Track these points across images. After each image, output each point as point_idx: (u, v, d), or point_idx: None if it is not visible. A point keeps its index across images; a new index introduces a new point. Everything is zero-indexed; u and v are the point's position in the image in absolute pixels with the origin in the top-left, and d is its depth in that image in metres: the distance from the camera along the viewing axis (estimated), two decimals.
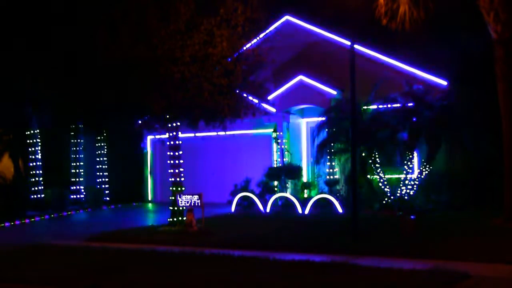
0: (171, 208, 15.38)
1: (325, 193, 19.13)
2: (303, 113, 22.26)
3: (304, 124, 22.45)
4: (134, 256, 11.37)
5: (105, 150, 24.82)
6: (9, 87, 16.16)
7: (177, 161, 15.49)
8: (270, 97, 20.66)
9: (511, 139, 14.69)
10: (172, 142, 15.50)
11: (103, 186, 24.58)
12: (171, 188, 15.50)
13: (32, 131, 22.36)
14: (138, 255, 11.47)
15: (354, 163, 12.71)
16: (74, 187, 23.70)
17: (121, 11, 13.45)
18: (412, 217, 12.79)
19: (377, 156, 17.60)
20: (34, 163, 22.23)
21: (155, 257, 11.17)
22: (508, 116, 14.72)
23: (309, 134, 22.03)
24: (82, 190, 24.02)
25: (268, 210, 18.57)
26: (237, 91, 15.05)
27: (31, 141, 22.31)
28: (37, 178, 22.12)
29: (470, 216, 15.90)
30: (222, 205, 20.18)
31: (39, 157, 22.40)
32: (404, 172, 17.52)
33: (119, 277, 9.41)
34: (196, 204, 14.07)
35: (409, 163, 17.49)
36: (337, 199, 17.98)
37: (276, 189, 20.43)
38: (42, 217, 19.22)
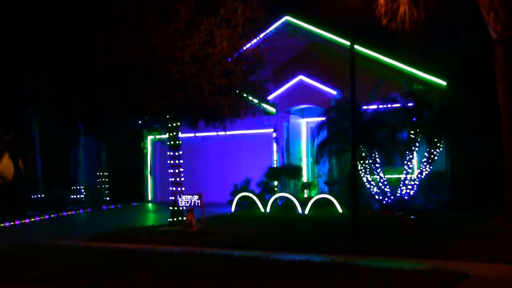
0: (171, 208, 15.37)
1: (325, 193, 19.12)
2: (303, 113, 22.25)
3: (304, 124, 22.44)
4: (134, 256, 11.37)
5: (105, 150, 24.83)
6: (9, 87, 16.16)
7: (177, 161, 15.49)
8: (270, 97, 20.65)
9: (511, 139, 14.69)
10: (172, 142, 15.50)
11: (103, 186, 24.59)
12: (171, 188, 15.50)
13: (32, 131, 22.35)
14: (138, 255, 11.46)
15: (354, 163, 12.71)
16: (74, 187, 23.69)
17: (121, 11, 13.44)
18: (412, 217, 12.79)
19: (377, 156, 17.60)
20: (34, 163, 22.22)
21: (155, 257, 11.17)
22: (508, 116, 14.72)
23: (309, 134, 22.03)
24: (82, 190, 24.02)
25: (268, 210, 18.56)
26: (237, 91, 15.04)
27: (31, 141, 22.31)
28: (37, 178, 22.11)
29: (470, 216, 15.90)
30: (222, 205, 20.18)
31: (39, 157, 22.39)
32: (404, 172, 17.52)
33: (119, 277, 9.41)
34: (196, 204, 14.07)
35: (409, 163, 17.49)
36: (337, 199, 17.97)
37: (276, 189, 20.43)
38: (42, 217, 19.21)
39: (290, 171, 20.53)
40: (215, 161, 23.26)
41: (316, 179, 21.22)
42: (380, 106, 17.90)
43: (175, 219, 15.10)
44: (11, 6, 14.71)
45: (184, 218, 14.66)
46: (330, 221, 15.57)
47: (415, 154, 17.83)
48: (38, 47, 14.25)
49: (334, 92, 20.30)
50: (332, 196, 18.17)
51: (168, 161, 15.63)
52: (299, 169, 20.82)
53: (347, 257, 10.62)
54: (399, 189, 17.45)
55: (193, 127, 15.80)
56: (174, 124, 15.43)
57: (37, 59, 14.38)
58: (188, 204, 14.20)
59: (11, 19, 14.67)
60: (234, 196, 19.67)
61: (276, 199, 19.09)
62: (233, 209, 19.28)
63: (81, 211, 21.42)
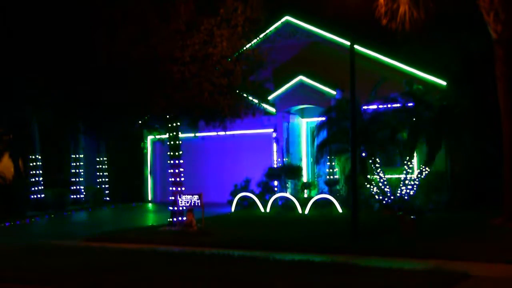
0: (171, 208, 15.37)
1: (325, 193, 19.12)
2: (303, 113, 22.25)
3: (304, 124, 22.44)
4: (134, 256, 11.37)
5: (105, 150, 24.83)
6: (9, 87, 16.14)
7: (177, 161, 15.48)
8: (270, 97, 20.66)
9: (511, 139, 14.69)
10: (172, 142, 15.50)
11: (103, 186, 24.58)
12: (171, 188, 15.50)
13: (32, 131, 22.34)
14: (138, 255, 11.46)
15: (354, 163, 12.71)
16: (74, 187, 23.69)
17: (121, 11, 13.44)
18: (412, 217, 12.79)
19: (377, 156, 17.60)
20: (34, 163, 22.22)
21: (155, 257, 11.17)
22: (508, 116, 14.73)
23: (309, 134, 22.03)
24: (82, 190, 24.02)
25: (268, 210, 18.56)
26: (237, 91, 15.05)
27: (31, 141, 22.30)
28: (37, 178, 22.11)
29: (470, 216, 15.90)
30: (222, 205, 20.19)
31: (39, 157, 22.38)
32: (404, 172, 17.52)
33: (119, 277, 9.40)
34: (196, 204, 14.07)
35: (409, 163, 17.49)
36: (337, 199, 17.97)
37: (276, 189, 20.43)
38: (42, 217, 19.22)
39: (290, 171, 20.53)
40: (215, 161, 23.27)
41: (316, 179, 21.22)
42: (380, 106, 17.90)
43: (175, 219, 15.10)
44: (11, 6, 14.69)
45: (184, 218, 14.66)
46: (330, 221, 15.57)
47: (415, 154, 17.84)
48: (38, 47, 14.24)
49: (334, 92, 20.30)
50: (332, 196, 18.17)
51: (168, 161, 15.63)
52: (299, 169, 20.82)
53: (347, 257, 10.62)
54: (399, 189, 17.45)
55: (193, 127, 15.80)
56: (174, 124, 15.43)
57: (37, 59, 14.38)
58: (188, 204, 14.20)
59: (11, 19, 14.66)
60: (234, 196, 19.67)
61: (276, 199, 19.09)
62: (233, 209, 19.28)
63: (81, 211, 21.42)
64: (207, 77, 13.99)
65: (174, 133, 15.50)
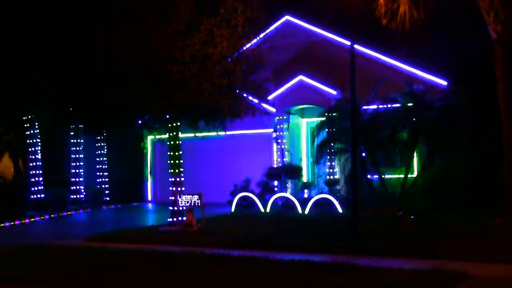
0: (171, 208, 15.37)
1: (325, 193, 19.12)
2: (303, 113, 22.26)
3: (304, 124, 22.45)
4: (134, 256, 11.36)
5: (105, 150, 24.83)
6: (9, 87, 16.14)
7: (177, 161, 15.48)
8: (270, 97, 20.64)
9: (511, 139, 14.69)
10: (172, 142, 15.50)
11: (103, 186, 24.58)
12: (171, 188, 15.50)
13: (32, 131, 22.35)
14: (138, 255, 11.46)
15: (354, 163, 12.70)
16: (74, 187, 23.69)
17: (121, 11, 13.44)
18: (412, 217, 12.79)
19: (377, 156, 17.58)
20: (34, 163, 22.21)
21: (155, 257, 11.17)
22: (508, 116, 14.72)
23: (309, 134, 22.03)
24: (82, 190, 24.02)
25: (268, 210, 18.56)
26: (237, 91, 15.05)
27: (31, 141, 22.31)
28: (37, 178, 22.11)
29: (470, 216, 15.89)
30: (222, 205, 20.18)
31: (39, 157, 22.38)
32: (404, 172, 17.50)
33: (119, 277, 9.40)
34: (196, 204, 14.07)
35: (409, 163, 17.48)
36: (337, 199, 17.97)
37: (276, 189, 20.42)
38: (42, 217, 19.21)
39: (290, 171, 20.53)
40: (215, 161, 23.26)
41: (316, 179, 21.22)
42: (380, 106, 17.88)
43: (175, 219, 15.10)
44: (11, 6, 14.70)
45: (184, 218, 14.67)
46: (330, 221, 15.57)
47: (415, 154, 17.82)
48: (38, 47, 14.24)
49: (334, 92, 20.30)
50: (332, 196, 18.17)
51: (168, 161, 15.63)
52: (299, 169, 20.82)
53: (347, 257, 10.62)
54: (399, 189, 17.42)
55: (193, 127, 15.80)
56: (174, 124, 15.43)
57: (37, 59, 14.38)
58: (188, 204, 14.20)
59: (11, 18, 14.67)
60: (234, 196, 19.67)
61: (276, 199, 19.09)
62: (233, 209, 19.28)
63: (81, 211, 21.42)
64: (207, 77, 13.99)
65: (174, 133, 15.50)
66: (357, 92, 12.96)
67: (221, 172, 22.86)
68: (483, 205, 17.45)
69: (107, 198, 24.38)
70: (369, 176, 17.78)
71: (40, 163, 22.39)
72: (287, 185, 20.63)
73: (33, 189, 21.78)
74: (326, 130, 18.33)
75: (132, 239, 13.53)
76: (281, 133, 21.35)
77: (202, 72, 13.99)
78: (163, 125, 15.84)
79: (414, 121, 17.24)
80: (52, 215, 19.75)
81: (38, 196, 21.82)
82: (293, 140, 21.95)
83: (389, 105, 17.75)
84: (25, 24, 14.54)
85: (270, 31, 21.55)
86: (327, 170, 19.98)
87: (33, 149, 22.32)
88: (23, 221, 18.09)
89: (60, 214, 20.12)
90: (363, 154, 17.44)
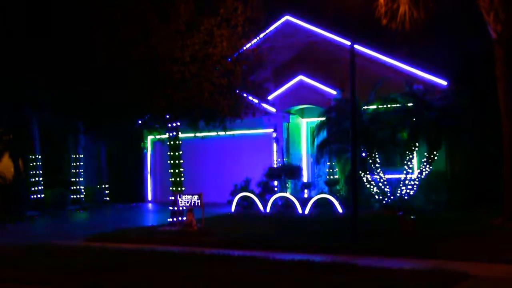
0: (171, 208, 15.37)
1: (325, 193, 19.12)
2: (303, 113, 22.26)
3: (304, 124, 22.45)
4: (134, 256, 11.36)
5: (105, 150, 24.83)
6: (9, 87, 16.15)
7: (177, 161, 15.49)
8: (270, 97, 20.65)
9: (511, 139, 14.69)
10: (172, 142, 15.50)
11: (103, 186, 24.58)
12: (171, 188, 15.50)
13: (32, 131, 22.35)
14: (138, 255, 11.46)
15: (354, 163, 12.70)
16: (74, 187, 23.70)
17: (121, 11, 13.44)
18: (412, 217, 12.79)
19: (377, 156, 17.60)
20: (34, 163, 22.22)
21: (155, 257, 11.17)
22: (508, 116, 14.72)
23: (309, 134, 22.03)
24: (82, 190, 24.03)
25: (268, 210, 18.56)
26: (237, 91, 15.05)
27: (31, 141, 22.32)
28: (37, 178, 22.12)
29: (470, 216, 15.89)
30: (222, 205, 20.18)
31: (39, 157, 22.39)
32: (404, 172, 17.52)
33: (119, 277, 9.40)
34: (196, 204, 14.07)
35: (409, 163, 17.50)
36: (337, 199, 17.97)
37: (276, 189, 20.43)
38: (42, 217, 19.21)
39: (290, 171, 20.53)
40: (215, 161, 23.27)
41: (316, 179, 21.22)
42: (380, 106, 17.90)
43: (175, 219, 15.10)
44: (11, 6, 14.71)
45: (184, 218, 14.66)
46: (330, 221, 15.56)
47: (415, 154, 17.84)
48: (38, 47, 14.25)
49: (334, 92, 20.30)
50: (332, 196, 18.17)
51: (168, 161, 15.63)
52: (299, 169, 20.82)
53: (347, 257, 10.61)
54: (399, 189, 17.45)
55: (193, 127, 15.80)
56: (174, 124, 15.43)
57: (37, 59, 14.39)
58: (188, 204, 14.20)
59: (11, 18, 14.67)
60: (234, 196, 19.67)
61: (276, 199, 19.09)
62: (233, 209, 19.28)
63: (81, 211, 21.42)
64: (207, 77, 13.99)
65: (174, 133, 15.50)
66: (357, 92, 12.94)
67: (221, 172, 22.87)
68: (483, 205, 17.45)
69: (107, 198, 24.39)
70: (369, 176, 17.80)
71: (40, 163, 22.40)
72: (287, 185, 20.63)
73: (33, 189, 21.79)
74: (326, 130, 18.34)
75: (132, 239, 13.52)
76: (281, 133, 21.34)
77: (202, 72, 13.99)
78: (163, 125, 15.84)
79: (414, 121, 17.26)
80: (52, 215, 19.75)
81: (38, 196, 21.83)
82: (293, 140, 21.96)
83: (389, 105, 17.77)
84: (25, 24, 14.54)
85: (270, 31, 21.55)
86: (327, 170, 19.99)
87: (33, 149, 22.33)
88: (23, 221, 18.09)
89: (60, 214, 20.12)
90: (363, 154, 17.46)
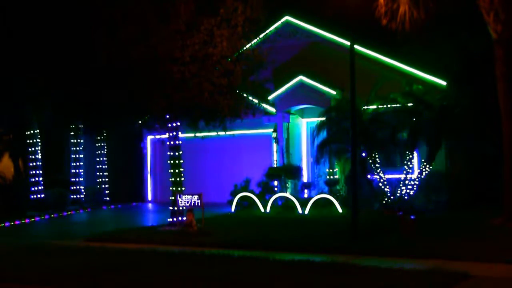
0: (171, 208, 15.38)
1: (325, 193, 19.12)
2: (303, 113, 22.25)
3: (304, 124, 22.44)
4: (134, 256, 11.37)
5: (105, 150, 24.84)
6: (9, 87, 16.15)
7: (177, 161, 15.49)
8: (270, 97, 20.66)
9: (511, 139, 14.69)
10: (172, 142, 15.50)
11: (103, 186, 24.59)
12: (171, 188, 15.50)
13: (32, 131, 22.35)
14: (138, 255, 11.46)
15: (354, 163, 12.70)
16: (74, 187, 23.70)
17: (121, 11, 13.44)
18: (412, 217, 12.79)
19: (377, 156, 17.60)
20: (34, 163, 22.21)
21: (155, 257, 11.17)
22: (508, 116, 14.72)
23: (309, 134, 22.02)
24: (82, 190, 24.03)
25: (268, 210, 18.56)
26: (237, 91, 15.05)
27: (31, 141, 22.31)
28: (37, 178, 22.11)
29: (469, 216, 15.90)
30: (222, 205, 20.18)
31: (39, 157, 22.38)
32: (404, 172, 17.53)
33: (119, 277, 9.41)
34: (196, 204, 14.07)
35: (409, 163, 17.50)
36: (337, 199, 17.97)
37: (276, 189, 20.43)
38: (42, 217, 19.21)
39: (290, 171, 20.52)
40: (215, 161, 23.27)
41: (316, 179, 21.22)
42: (380, 106, 17.91)
43: (175, 219, 15.10)
44: (11, 6, 14.70)
45: (184, 218, 14.67)
46: (330, 221, 15.57)
47: (415, 154, 17.84)
48: (38, 47, 14.24)
49: (334, 92, 20.29)
50: (332, 196, 18.17)
51: (168, 161, 15.64)
52: (299, 169, 20.81)
53: (347, 257, 10.62)
54: (399, 189, 17.45)
55: (193, 127, 15.80)
56: (174, 124, 15.43)
57: (37, 59, 14.38)
58: (188, 204, 14.20)
59: (11, 18, 14.67)
60: (234, 196, 19.66)
61: (276, 199, 19.08)
62: (233, 209, 19.28)
63: (81, 211, 21.42)
64: (207, 77, 13.99)
65: (174, 133, 15.51)
66: (357, 92, 12.95)
67: (221, 172, 22.87)
68: (483, 205, 17.46)
69: (107, 198, 24.39)
70: (369, 176, 17.80)
71: (40, 163, 22.39)
72: (287, 185, 20.62)
73: (33, 189, 21.78)
74: (326, 130, 18.35)
75: (132, 239, 13.52)
76: (281, 133, 21.33)
77: (202, 72, 13.99)
78: (163, 125, 15.84)
79: (414, 121, 17.26)
80: (52, 215, 19.74)
81: (38, 196, 21.81)
82: (293, 140, 21.94)
83: (389, 105, 17.78)
84: (25, 24, 14.54)
85: (270, 31, 21.53)
86: (327, 170, 19.98)
87: (33, 149, 22.32)
88: (23, 221, 18.09)
89: (60, 214, 20.12)
90: (363, 154, 17.46)
